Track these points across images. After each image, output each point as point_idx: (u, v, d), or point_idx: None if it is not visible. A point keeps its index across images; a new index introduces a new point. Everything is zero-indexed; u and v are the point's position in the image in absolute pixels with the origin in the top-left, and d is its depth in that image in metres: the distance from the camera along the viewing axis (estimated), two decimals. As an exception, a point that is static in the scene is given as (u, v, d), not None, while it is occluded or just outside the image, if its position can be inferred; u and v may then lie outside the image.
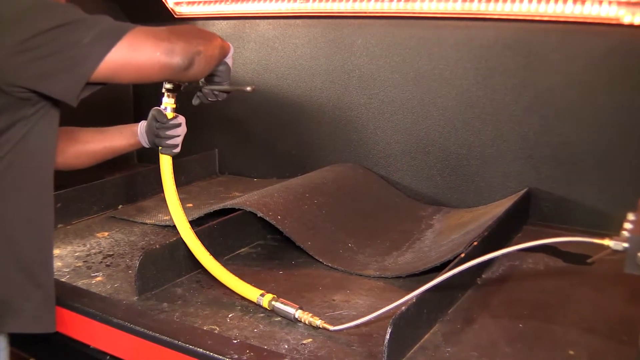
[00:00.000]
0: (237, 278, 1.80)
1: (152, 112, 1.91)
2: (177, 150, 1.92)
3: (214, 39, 1.65)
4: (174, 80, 1.80)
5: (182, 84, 1.85)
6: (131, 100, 3.48)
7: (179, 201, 1.91)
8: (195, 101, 1.85)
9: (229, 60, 1.79)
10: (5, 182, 1.46)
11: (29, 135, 1.45)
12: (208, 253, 1.86)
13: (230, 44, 1.78)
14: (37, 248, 1.53)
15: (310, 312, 1.63)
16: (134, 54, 1.40)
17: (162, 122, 1.88)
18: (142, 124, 1.96)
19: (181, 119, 1.91)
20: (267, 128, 3.10)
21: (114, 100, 3.30)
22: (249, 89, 1.82)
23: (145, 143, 1.95)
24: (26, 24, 1.33)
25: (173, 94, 1.89)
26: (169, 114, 1.89)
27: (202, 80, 1.81)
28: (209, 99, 1.84)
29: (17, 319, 1.51)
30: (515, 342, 1.55)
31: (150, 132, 1.91)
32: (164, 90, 1.89)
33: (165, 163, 1.91)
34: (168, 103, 1.89)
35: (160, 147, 1.91)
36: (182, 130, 1.91)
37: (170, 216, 1.90)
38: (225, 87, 1.82)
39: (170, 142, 1.89)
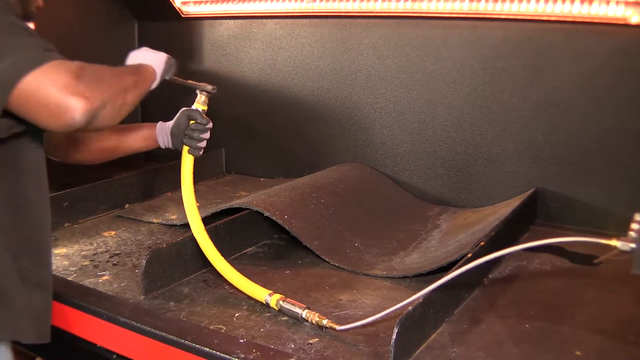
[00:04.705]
0: (246, 278, 1.81)
1: (187, 112, 1.97)
2: (202, 151, 1.99)
3: (127, 81, 1.52)
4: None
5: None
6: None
7: (194, 200, 1.95)
8: None
9: (167, 75, 1.79)
10: None
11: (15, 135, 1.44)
12: (219, 253, 1.87)
13: (162, 57, 1.74)
14: (32, 257, 1.54)
15: (317, 312, 1.63)
16: (38, 93, 1.29)
17: (201, 124, 1.94)
18: (162, 126, 2.00)
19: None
20: (273, 128, 3.10)
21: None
22: (210, 88, 1.93)
23: (163, 144, 2.00)
24: None
25: (208, 95, 1.96)
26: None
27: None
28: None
29: (13, 329, 1.51)
30: (522, 343, 1.55)
31: (179, 133, 1.96)
32: (199, 92, 1.96)
33: (188, 163, 1.97)
34: (203, 105, 1.96)
35: (188, 148, 1.96)
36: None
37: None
38: (183, 82, 1.89)
39: (200, 144, 1.96)
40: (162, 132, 2.01)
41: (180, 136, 1.97)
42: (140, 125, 2.11)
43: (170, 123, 2.01)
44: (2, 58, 1.29)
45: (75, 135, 1.99)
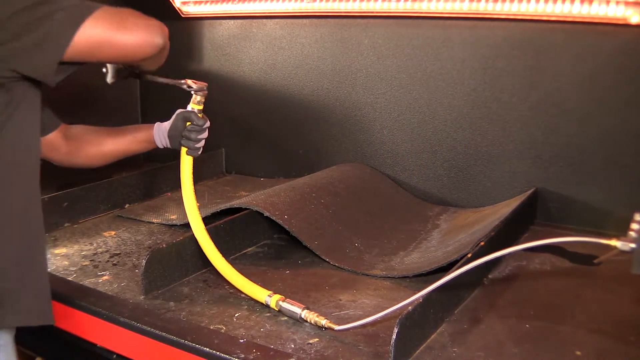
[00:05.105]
0: (246, 279, 1.81)
1: (183, 114, 1.96)
2: (200, 151, 1.99)
3: None
4: (141, 62, 1.74)
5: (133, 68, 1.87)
6: (137, 97, 3.47)
7: (195, 200, 1.95)
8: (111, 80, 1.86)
9: None
10: None
11: (8, 126, 1.44)
12: (220, 254, 1.87)
13: None
14: (26, 244, 1.53)
15: (316, 312, 1.63)
16: (114, 31, 1.42)
17: (198, 125, 1.93)
18: (159, 126, 2.00)
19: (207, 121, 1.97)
20: (273, 127, 3.10)
21: (121, 99, 3.30)
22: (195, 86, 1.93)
23: (161, 144, 1.99)
24: (3, 4, 1.34)
25: (203, 95, 1.94)
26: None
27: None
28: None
29: (12, 313, 1.51)
30: (522, 343, 1.55)
31: (177, 134, 1.96)
32: (194, 92, 1.94)
33: (187, 163, 1.96)
34: (198, 105, 1.95)
35: (186, 149, 1.96)
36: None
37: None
38: (162, 80, 1.91)
39: (198, 144, 1.96)
40: (159, 133, 2.01)
41: (177, 138, 1.97)
42: (137, 127, 2.12)
43: (167, 124, 2.01)
44: (54, 10, 1.36)
45: (73, 139, 1.99)
